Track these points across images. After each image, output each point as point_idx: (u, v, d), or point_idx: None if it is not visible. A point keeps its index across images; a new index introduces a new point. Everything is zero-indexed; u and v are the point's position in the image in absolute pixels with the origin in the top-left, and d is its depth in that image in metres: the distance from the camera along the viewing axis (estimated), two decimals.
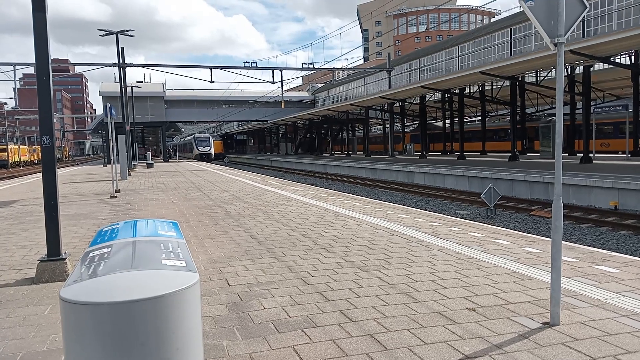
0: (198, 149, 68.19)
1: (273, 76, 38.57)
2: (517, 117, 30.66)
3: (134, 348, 1.57)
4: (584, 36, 30.33)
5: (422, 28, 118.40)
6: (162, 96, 61.65)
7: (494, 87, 36.29)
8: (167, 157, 60.61)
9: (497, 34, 39.33)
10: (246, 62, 36.94)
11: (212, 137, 76.36)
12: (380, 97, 36.29)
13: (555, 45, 3.95)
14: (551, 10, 3.92)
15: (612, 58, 23.00)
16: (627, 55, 26.30)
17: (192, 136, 78.05)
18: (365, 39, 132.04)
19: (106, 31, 31.70)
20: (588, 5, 4.10)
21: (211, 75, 36.20)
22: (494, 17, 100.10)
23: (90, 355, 1.60)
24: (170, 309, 1.60)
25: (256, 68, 37.77)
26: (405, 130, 54.42)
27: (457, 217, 13.44)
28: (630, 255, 8.41)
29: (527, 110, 35.53)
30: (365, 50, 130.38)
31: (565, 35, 3.92)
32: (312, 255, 6.25)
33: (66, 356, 1.68)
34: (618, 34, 18.48)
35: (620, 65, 24.17)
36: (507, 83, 30.88)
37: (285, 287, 4.88)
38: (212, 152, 69.67)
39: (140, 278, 1.72)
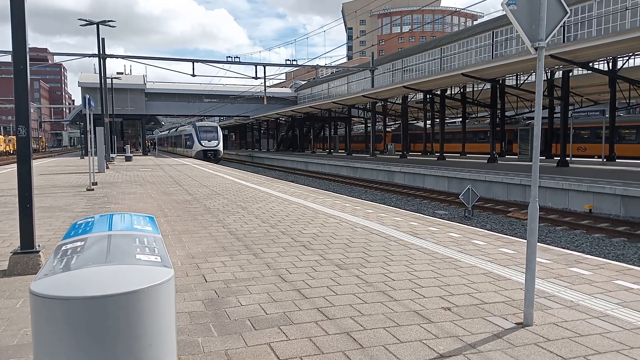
0: (201, 144, 45.17)
1: (256, 72, 38.34)
2: (497, 120, 31.06)
3: (106, 343, 1.54)
4: (564, 41, 30.83)
5: (406, 28, 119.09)
6: (143, 89, 60.72)
7: (475, 89, 36.69)
8: (147, 151, 59.84)
9: (479, 37, 39.76)
10: (229, 57, 36.66)
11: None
12: (363, 96, 36.39)
13: (536, 49, 4.00)
14: (533, 14, 3.97)
15: (590, 64, 23.46)
16: (605, 62, 26.83)
17: (192, 125, 50.99)
18: (350, 38, 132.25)
19: (87, 21, 31.10)
20: (569, 11, 4.16)
21: (193, 68, 35.86)
22: (476, 20, 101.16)
23: (60, 351, 1.57)
24: (143, 305, 1.58)
25: (239, 63, 37.49)
26: (387, 129, 54.71)
27: (435, 217, 13.56)
28: (603, 258, 8.57)
29: (506, 113, 35.99)
30: (349, 48, 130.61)
31: (546, 39, 3.97)
32: (291, 252, 6.24)
33: (35, 351, 1.64)
34: (597, 40, 18.84)
35: (598, 71, 24.67)
36: (488, 85, 31.27)
37: (263, 284, 4.86)
38: (222, 149, 46.36)
39: (113, 273, 1.69)
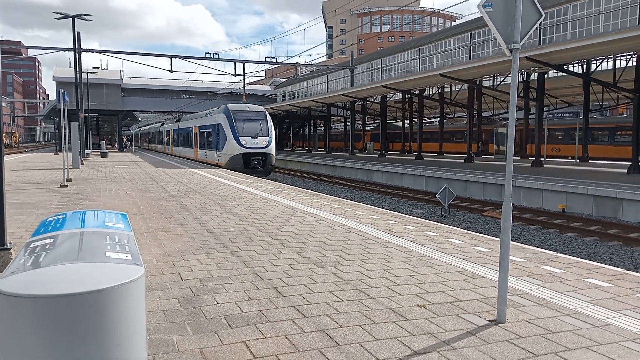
0: (240, 143, 24.49)
1: (235, 68, 38.07)
2: (474, 120, 31.47)
3: (73, 343, 1.51)
4: (540, 44, 31.38)
5: (386, 28, 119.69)
6: (119, 84, 59.77)
7: (453, 89, 37.09)
8: (123, 147, 58.93)
9: (457, 38, 40.19)
10: (207, 54, 36.31)
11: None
12: (343, 94, 36.45)
13: (511, 51, 4.06)
14: (508, 16, 4.02)
15: (565, 66, 23.91)
16: (579, 64, 27.39)
17: (221, 110, 26.15)
18: (329, 36, 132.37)
19: (62, 14, 30.45)
20: (544, 14, 4.23)
21: (171, 64, 35.37)
22: (455, 21, 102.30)
23: (26, 350, 1.53)
24: (112, 303, 1.55)
25: (218, 59, 37.16)
26: (366, 128, 54.96)
27: (413, 215, 13.67)
28: (575, 256, 8.78)
29: (483, 114, 36.50)
30: (329, 47, 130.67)
31: (521, 41, 4.03)
32: (268, 250, 6.22)
33: (0, 351, 1.60)
34: (571, 43, 19.21)
35: (572, 73, 25.15)
36: (466, 86, 31.63)
37: (239, 282, 4.83)
38: (274, 152, 25.68)
39: (82, 271, 1.66)
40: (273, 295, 4.43)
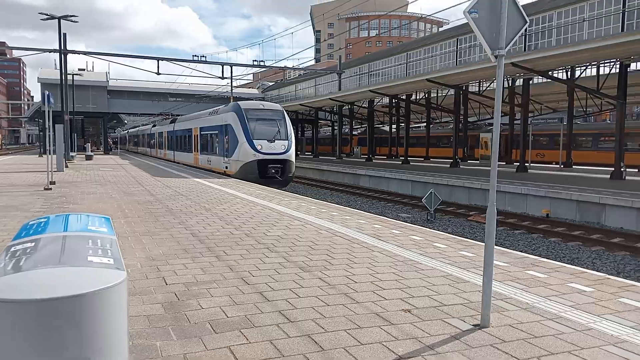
0: (254, 147, 19.93)
1: (223, 71, 37.93)
2: (460, 125, 31.72)
3: (53, 347, 1.49)
4: (525, 50, 31.78)
5: (374, 33, 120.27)
6: (105, 86, 59.21)
7: (440, 94, 37.37)
8: (109, 150, 58.37)
9: (444, 43, 40.51)
10: (195, 56, 36.17)
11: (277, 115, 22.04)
12: (330, 98, 36.56)
13: (496, 57, 4.10)
14: (493, 23, 4.06)
15: (550, 72, 24.26)
16: (564, 71, 27.77)
17: (231, 108, 21.81)
18: (317, 40, 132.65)
19: (48, 15, 30.12)
20: (528, 21, 4.28)
21: (158, 66, 35.15)
22: (442, 27, 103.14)
23: (6, 354, 1.51)
24: (92, 308, 1.53)
25: (206, 62, 37.04)
26: (353, 133, 55.11)
27: (399, 220, 13.72)
28: (559, 261, 8.87)
29: (469, 119, 36.82)
30: (317, 51, 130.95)
31: (505, 48, 4.07)
32: (254, 254, 6.20)
33: None
34: (556, 49, 19.50)
35: (557, 79, 25.52)
36: (452, 91, 31.89)
37: (224, 287, 4.80)
38: (294, 159, 20.90)
39: (63, 275, 1.64)
40: (258, 300, 4.42)
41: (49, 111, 15.82)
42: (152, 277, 5.09)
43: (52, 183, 15.03)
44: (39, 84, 54.62)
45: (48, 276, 1.64)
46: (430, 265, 5.80)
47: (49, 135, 16.13)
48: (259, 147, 19.59)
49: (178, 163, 31.56)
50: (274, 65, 49.00)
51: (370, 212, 13.42)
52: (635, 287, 5.11)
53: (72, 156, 31.57)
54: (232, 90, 41.63)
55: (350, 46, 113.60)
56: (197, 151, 27.45)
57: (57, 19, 30.14)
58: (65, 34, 31.34)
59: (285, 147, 20.11)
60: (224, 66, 37.79)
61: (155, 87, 64.19)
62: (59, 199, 11.74)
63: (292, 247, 6.64)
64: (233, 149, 20.43)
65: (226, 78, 38.23)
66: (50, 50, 32.28)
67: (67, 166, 24.21)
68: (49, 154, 15.89)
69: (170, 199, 11.97)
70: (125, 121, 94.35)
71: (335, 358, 3.26)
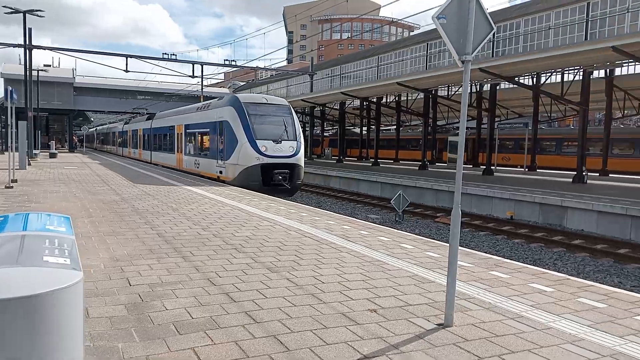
0: (258, 149, 16.59)
1: (193, 70, 37.38)
2: (429, 129, 32.18)
3: (5, 348, 1.45)
4: (493, 56, 32.50)
5: (346, 35, 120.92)
6: (72, 82, 57.66)
7: (410, 98, 37.82)
8: (74, 148, 56.89)
9: (414, 48, 41.03)
10: (165, 54, 35.60)
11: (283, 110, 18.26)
12: (302, 100, 36.58)
13: (463, 62, 4.17)
14: (461, 28, 4.12)
15: (516, 78, 24.86)
16: (530, 77, 28.49)
17: (226, 101, 18.52)
18: (290, 41, 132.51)
19: (12, 9, 29.17)
20: (495, 27, 4.37)
21: (126, 64, 34.44)
22: (413, 31, 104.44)
23: None
24: (47, 309, 1.50)
25: (176, 60, 36.47)
26: (325, 134, 55.26)
27: (368, 221, 13.82)
28: (521, 262, 9.07)
29: (438, 122, 37.39)
30: (290, 52, 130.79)
31: (472, 53, 4.14)
32: (221, 255, 6.14)
33: None
34: (522, 56, 20.01)
35: (523, 85, 26.18)
36: (422, 95, 32.34)
37: (190, 288, 4.74)
38: (302, 164, 17.67)
39: (18, 275, 1.59)
40: (224, 301, 4.38)
41: (11, 107, 15.32)
42: (115, 278, 4.99)
43: (14, 181, 14.56)
44: (2, 79, 52.82)
45: (3, 276, 1.59)
46: (397, 266, 5.86)
47: (12, 132, 15.62)
48: (263, 149, 16.36)
49: (156, 165, 28.53)
50: (246, 65, 48.68)
51: (339, 213, 13.48)
52: (594, 288, 5.29)
53: (35, 154, 30.66)
54: (202, 89, 41.19)
55: (323, 48, 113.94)
56: (181, 152, 23.84)
57: (22, 13, 29.25)
58: (30, 29, 30.43)
59: (294, 149, 16.93)
60: (195, 65, 37.34)
61: (124, 85, 62.90)
62: (21, 197, 11.38)
63: (260, 248, 6.61)
64: (230, 151, 17.10)
65: (197, 77, 37.76)
66: (14, 45, 31.24)
67: (30, 164, 23.50)
68: (11, 151, 15.38)
69: (136, 198, 11.75)
70: (92, 119, 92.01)
71: (301, 358, 3.26)
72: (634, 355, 3.49)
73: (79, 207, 9.98)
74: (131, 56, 34.73)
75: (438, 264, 6.02)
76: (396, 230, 8.52)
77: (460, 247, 7.03)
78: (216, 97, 22.31)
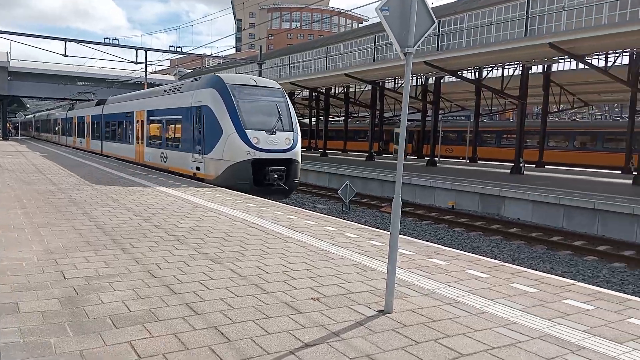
0: (248, 142, 13.67)
1: (136, 56, 36.10)
2: (376, 120, 32.64)
3: None
4: (438, 50, 33.29)
5: (295, 25, 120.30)
6: (6, 67, 54.23)
7: (358, 89, 38.17)
8: (7, 135, 53.77)
9: (363, 39, 41.34)
10: (106, 39, 34.15)
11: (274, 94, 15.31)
12: None
13: (405, 54, 4.24)
14: (403, 21, 4.18)
15: (459, 72, 25.59)
16: (472, 71, 29.40)
17: (207, 81, 15.42)
18: (239, 29, 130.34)
19: None
20: (436, 21, 4.46)
21: (65, 48, 32.77)
22: (362, 23, 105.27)
23: None
24: None
25: (118, 45, 35.00)
26: None
27: (315, 211, 13.90)
28: (460, 249, 9.40)
29: (385, 114, 37.98)
30: (238, 40, 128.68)
31: (414, 46, 4.21)
32: (163, 247, 6.00)
33: None
34: (465, 50, 20.63)
35: (465, 79, 26.98)
36: (370, 87, 32.71)
37: (129, 280, 4.61)
38: (300, 159, 14.98)
39: None
40: (165, 293, 4.29)
41: None
42: (49, 271, 4.77)
43: None
44: None
45: None
46: (341, 255, 5.93)
47: None
48: (254, 142, 13.60)
49: (107, 156, 25.47)
50: (192, 52, 47.44)
51: (287, 204, 13.47)
52: (526, 273, 5.56)
53: None
54: (145, 76, 39.87)
55: (272, 37, 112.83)
56: (141, 142, 20.30)
57: None
58: None
59: (290, 141, 14.30)
60: (138, 50, 36.04)
61: (62, 70, 59.87)
62: None
63: (204, 239, 6.51)
64: (212, 143, 14.09)
65: (140, 63, 36.44)
66: None
67: None
68: None
69: (74, 188, 11.26)
70: (28, 105, 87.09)
71: (242, 349, 3.25)
72: (560, 337, 3.70)
73: (12, 198, 9.46)
74: (70, 40, 33.07)
75: (381, 252, 6.14)
76: (342, 220, 8.61)
77: (402, 236, 7.21)
78: (191, 78, 18.30)
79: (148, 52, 36.51)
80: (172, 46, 39.65)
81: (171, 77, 76.09)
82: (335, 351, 3.26)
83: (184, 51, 41.00)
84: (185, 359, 3.07)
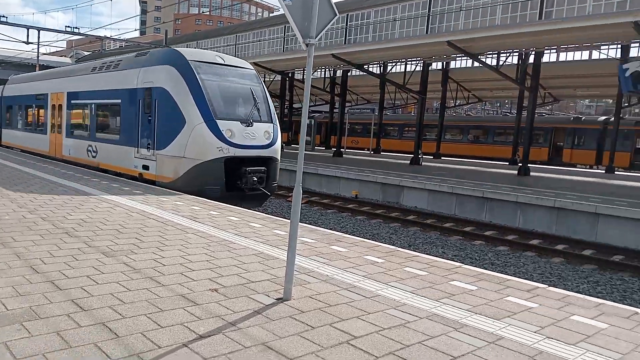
0: (219, 135, 10.74)
1: (28, 35, 33.12)
2: (285, 111, 32.70)
3: None
4: (346, 43, 33.97)
5: (204, 10, 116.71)
6: None
7: (267, 79, 37.92)
8: None
9: (273, 29, 41.13)
10: None
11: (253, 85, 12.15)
12: None
13: (307, 45, 4.25)
14: (306, 12, 4.19)
15: (365, 66, 26.32)
16: (378, 65, 30.35)
17: (161, 56, 12.17)
18: (144, 12, 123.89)
19: None
20: (338, 14, 4.51)
21: None
22: (272, 12, 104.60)
23: None
24: None
25: (7, 24, 31.85)
26: None
27: (219, 201, 13.67)
28: (361, 237, 9.74)
29: (294, 105, 38.16)
30: (143, 23, 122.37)
31: (316, 37, 4.24)
32: (49, 240, 5.59)
33: None
34: (371, 45, 21.27)
35: (371, 73, 27.81)
36: (279, 77, 32.63)
37: (8, 277, 4.24)
38: (279, 156, 12.28)
39: None
40: (48, 290, 4.00)
41: None
42: None
43: None
44: None
45: None
46: (243, 245, 5.89)
47: None
48: (227, 135, 10.78)
49: (9, 147, 21.53)
50: (90, 33, 44.35)
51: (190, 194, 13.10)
52: (419, 258, 5.88)
53: None
54: (37, 57, 36.75)
55: (180, 22, 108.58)
56: (59, 132, 16.56)
57: None
58: None
59: (270, 135, 11.59)
60: (30, 29, 33.04)
61: None
62: None
63: (96, 232, 6.14)
64: (170, 136, 11.12)
65: (32, 43, 33.52)
66: None
67: None
68: None
69: None
70: None
71: (131, 344, 3.12)
72: (446, 316, 3.96)
73: None
74: None
75: (284, 241, 6.18)
76: (246, 210, 8.55)
77: (306, 225, 7.32)
78: (133, 52, 14.54)
79: (41, 31, 33.70)
80: (68, 26, 36.79)
81: (68, 60, 70.67)
82: (231, 341, 3.24)
83: (81, 32, 38.27)
84: (67, 358, 2.89)
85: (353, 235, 8.43)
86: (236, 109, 11.31)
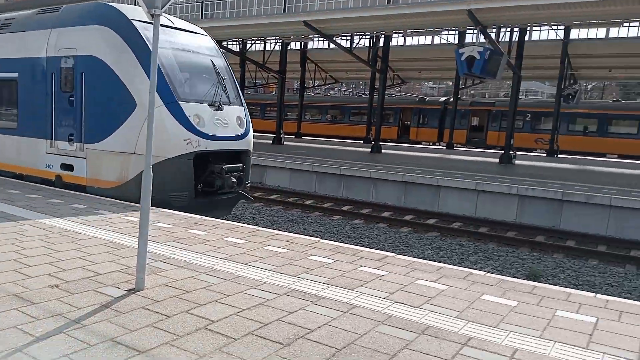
0: (187, 124, 7.78)
1: None
2: None
3: None
4: (202, 18, 32.73)
5: None
6: None
7: None
8: None
9: None
10: None
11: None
12: None
13: (153, 15, 4.01)
14: None
15: (224, 43, 25.66)
16: (237, 43, 29.75)
17: (93, 12, 8.50)
18: None
19: None
20: None
21: None
22: None
23: None
24: None
25: None
26: None
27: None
28: (223, 219, 9.60)
29: None
30: None
31: (162, 8, 4.01)
32: None
33: None
34: (228, 21, 20.83)
35: (230, 51, 27.22)
36: None
37: None
38: (251, 148, 9.25)
39: None
40: None
41: None
42: None
43: None
44: None
45: None
46: (90, 234, 5.42)
47: None
48: (195, 122, 8.02)
49: None
50: None
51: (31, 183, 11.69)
52: (280, 235, 5.96)
53: None
54: None
55: None
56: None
57: None
58: None
59: (243, 122, 9.00)
60: None
61: None
62: None
63: None
64: (110, 123, 8.07)
65: None
66: None
67: None
68: None
69: None
70: None
71: None
72: (304, 290, 4.07)
73: None
74: None
75: (137, 228, 5.80)
76: (94, 197, 7.87)
77: (163, 210, 6.97)
78: (34, 10, 9.96)
79: None
80: None
81: None
82: (74, 340, 2.96)
83: None
84: None
85: (213, 218, 8.27)
86: (201, 88, 8.52)
